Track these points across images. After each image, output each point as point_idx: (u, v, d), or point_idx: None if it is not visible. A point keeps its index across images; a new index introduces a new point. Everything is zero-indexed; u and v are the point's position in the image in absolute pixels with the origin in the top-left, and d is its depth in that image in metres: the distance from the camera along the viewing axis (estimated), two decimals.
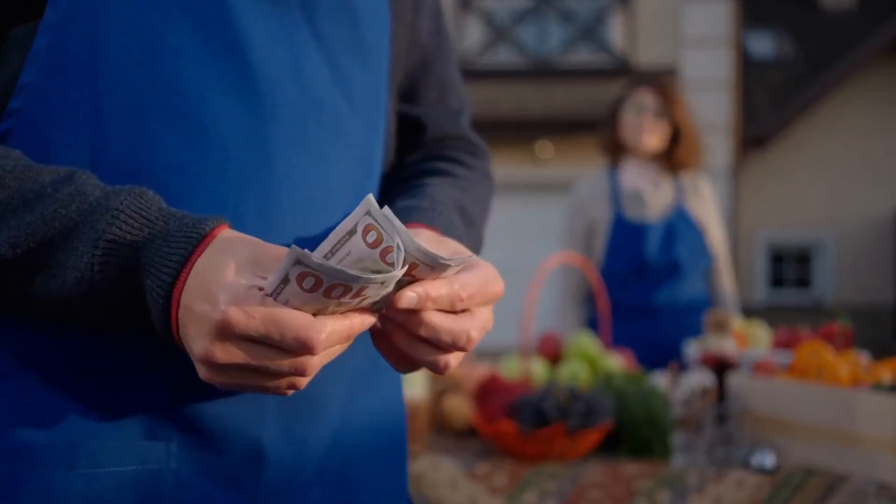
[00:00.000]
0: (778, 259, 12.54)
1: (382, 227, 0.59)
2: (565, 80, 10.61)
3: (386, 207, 0.59)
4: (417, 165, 0.94)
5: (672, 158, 2.90)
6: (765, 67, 13.03)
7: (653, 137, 2.86)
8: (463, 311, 0.67)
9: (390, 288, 0.61)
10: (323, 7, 0.77)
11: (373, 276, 0.58)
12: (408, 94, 0.94)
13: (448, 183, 0.88)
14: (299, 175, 0.74)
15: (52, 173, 0.65)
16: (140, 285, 0.64)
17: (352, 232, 0.59)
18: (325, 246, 0.60)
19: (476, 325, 0.67)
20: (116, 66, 0.68)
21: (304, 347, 0.59)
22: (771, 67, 13.09)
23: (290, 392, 0.63)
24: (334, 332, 0.60)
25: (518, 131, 10.40)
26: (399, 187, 0.89)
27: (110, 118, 0.69)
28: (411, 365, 0.69)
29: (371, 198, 0.58)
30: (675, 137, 2.90)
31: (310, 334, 0.58)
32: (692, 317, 2.79)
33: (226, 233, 0.64)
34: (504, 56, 11.22)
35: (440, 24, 0.96)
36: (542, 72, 11.01)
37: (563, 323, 2.90)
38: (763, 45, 13.41)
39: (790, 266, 12.53)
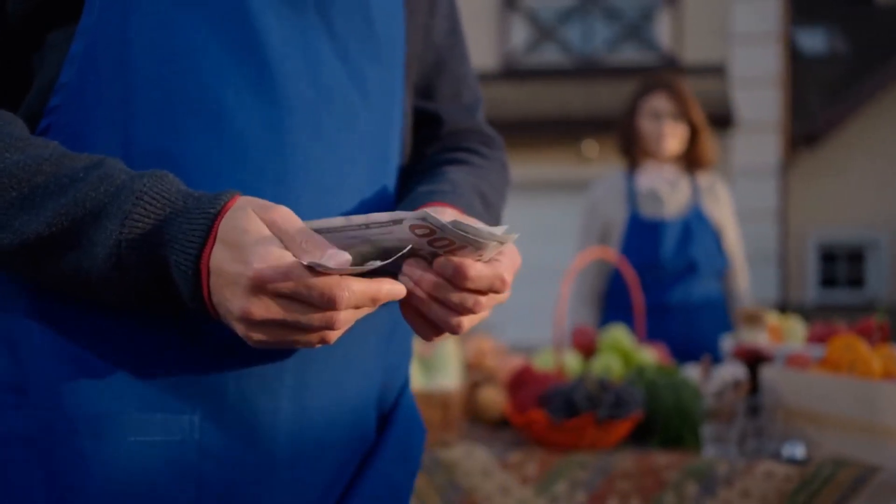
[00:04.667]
0: (829, 258, 12.34)
1: (435, 226, 0.66)
2: (611, 79, 10.56)
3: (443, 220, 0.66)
4: (436, 156, 0.99)
5: (691, 158, 2.91)
6: (816, 64, 12.83)
7: (674, 142, 2.87)
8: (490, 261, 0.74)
9: (402, 254, 0.69)
10: (337, 8, 0.82)
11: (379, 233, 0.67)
12: (425, 91, 0.99)
13: (466, 170, 0.93)
14: (313, 163, 0.79)
15: (85, 160, 0.71)
16: (164, 261, 0.69)
17: (397, 221, 0.66)
18: (357, 219, 0.68)
19: (508, 268, 0.74)
20: (144, 66, 0.74)
21: (329, 302, 0.65)
22: (822, 64, 12.89)
23: (320, 345, 0.69)
24: (358, 290, 0.66)
25: (563, 131, 10.39)
26: (419, 175, 0.95)
27: (139, 113, 0.75)
28: (434, 330, 0.75)
29: (430, 212, 0.65)
30: (693, 137, 2.91)
31: (334, 291, 0.65)
32: (704, 316, 2.79)
33: (240, 201, 0.70)
34: (549, 55, 11.20)
35: (455, 24, 1.01)
36: (587, 71, 10.99)
37: (574, 324, 2.90)
38: (814, 41, 13.22)
39: (842, 265, 12.32)
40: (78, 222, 0.69)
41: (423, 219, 0.65)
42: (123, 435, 0.74)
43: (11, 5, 0.75)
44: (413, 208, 0.81)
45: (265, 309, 0.66)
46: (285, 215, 0.68)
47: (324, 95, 0.80)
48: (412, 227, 0.66)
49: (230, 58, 0.76)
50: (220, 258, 0.67)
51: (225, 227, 0.67)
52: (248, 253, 0.65)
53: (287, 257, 0.65)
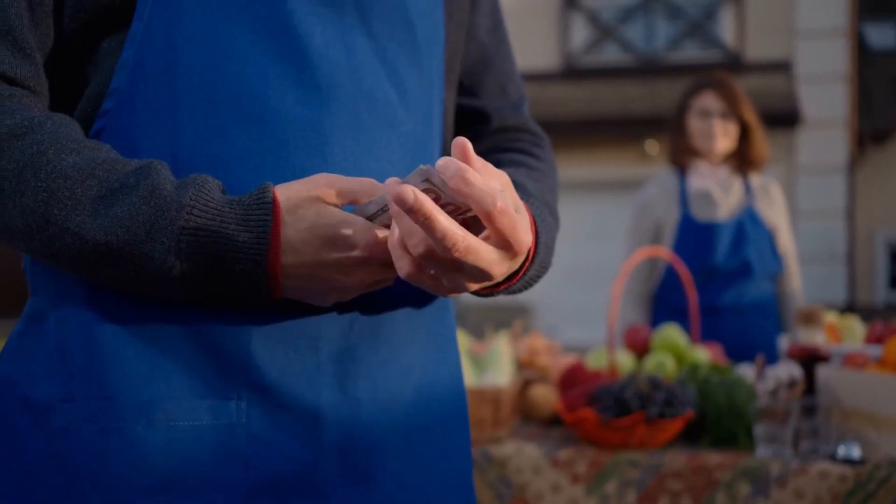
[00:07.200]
0: None
1: (440, 188, 0.68)
2: (673, 78, 10.46)
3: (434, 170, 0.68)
4: (490, 156, 1.00)
5: (743, 157, 2.87)
6: (884, 59, 12.52)
7: (724, 141, 2.83)
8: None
9: None
10: (377, 10, 0.85)
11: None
12: (470, 88, 1.01)
13: (528, 176, 0.95)
14: (352, 162, 0.82)
15: (134, 164, 0.75)
16: (228, 267, 0.74)
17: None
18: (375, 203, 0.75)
19: (504, 184, 0.72)
20: (190, 70, 0.78)
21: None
22: (891, 59, 12.57)
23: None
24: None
25: (624, 130, 10.32)
26: None
27: (185, 115, 0.78)
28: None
29: (427, 167, 0.67)
30: (744, 135, 2.86)
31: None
32: (755, 318, 2.75)
33: (284, 202, 0.75)
34: (610, 54, 11.14)
35: (498, 21, 1.03)
36: (649, 70, 10.89)
37: (624, 325, 2.88)
38: (883, 35, 12.89)
39: None
40: (133, 233, 0.73)
41: (427, 179, 0.68)
42: (173, 420, 0.77)
43: (68, 14, 0.79)
44: None
45: (373, 274, 0.77)
46: (329, 179, 0.76)
47: (364, 96, 0.83)
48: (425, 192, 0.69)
49: (273, 61, 0.79)
50: (312, 250, 0.74)
51: (301, 226, 0.74)
52: (352, 234, 0.74)
53: (381, 231, 0.74)
